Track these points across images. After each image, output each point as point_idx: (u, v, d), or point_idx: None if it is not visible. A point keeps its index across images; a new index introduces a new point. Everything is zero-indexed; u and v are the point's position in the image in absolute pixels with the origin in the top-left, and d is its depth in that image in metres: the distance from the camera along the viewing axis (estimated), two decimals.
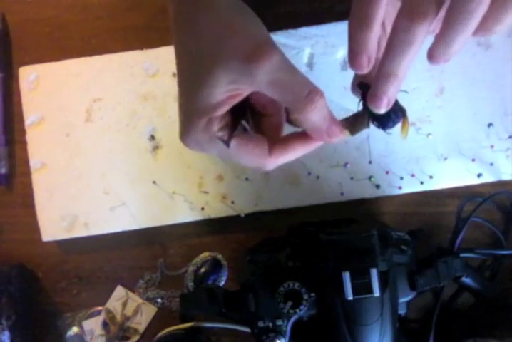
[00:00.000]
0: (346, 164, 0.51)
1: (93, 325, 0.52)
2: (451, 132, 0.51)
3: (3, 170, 0.54)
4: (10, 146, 0.54)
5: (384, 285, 0.40)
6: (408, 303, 0.43)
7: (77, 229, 0.51)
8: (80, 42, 0.55)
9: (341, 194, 0.50)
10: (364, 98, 0.33)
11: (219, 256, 0.52)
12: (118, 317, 0.52)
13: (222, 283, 0.52)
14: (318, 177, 0.51)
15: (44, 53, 0.54)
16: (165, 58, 0.52)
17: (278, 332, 0.40)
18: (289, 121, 0.36)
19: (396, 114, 0.33)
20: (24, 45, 0.55)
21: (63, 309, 0.53)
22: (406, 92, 0.32)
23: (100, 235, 0.51)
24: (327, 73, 0.51)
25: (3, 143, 0.54)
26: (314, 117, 0.32)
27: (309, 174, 0.51)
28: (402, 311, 0.42)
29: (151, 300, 0.52)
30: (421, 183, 0.50)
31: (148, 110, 0.52)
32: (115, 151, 0.52)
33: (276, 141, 0.35)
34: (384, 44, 0.30)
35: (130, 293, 0.52)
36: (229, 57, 0.31)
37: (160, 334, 0.50)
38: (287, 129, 0.36)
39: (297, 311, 0.40)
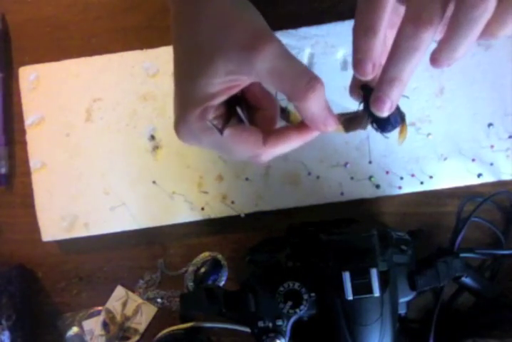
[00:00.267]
0: (346, 164, 0.51)
1: (93, 325, 0.52)
2: (451, 132, 0.51)
3: (3, 170, 0.54)
4: (10, 146, 0.54)
5: (384, 285, 0.40)
6: (408, 303, 0.43)
7: (77, 229, 0.51)
8: (80, 42, 0.55)
9: (341, 194, 0.50)
10: (365, 100, 0.33)
11: (219, 256, 0.52)
12: (118, 317, 0.52)
13: (222, 283, 0.52)
14: (318, 177, 0.51)
15: (44, 53, 0.54)
16: (165, 58, 0.52)
17: (278, 332, 0.40)
18: (282, 117, 0.36)
19: (396, 118, 0.33)
20: (24, 45, 0.55)
21: (63, 309, 0.53)
22: (407, 97, 0.33)
23: (100, 235, 0.51)
24: (327, 73, 0.51)
25: (3, 143, 0.54)
26: (313, 105, 0.32)
27: (309, 174, 0.51)
28: (402, 310, 0.42)
29: (151, 300, 0.52)
30: (421, 183, 0.50)
31: (148, 110, 0.52)
32: (115, 151, 0.52)
33: (270, 132, 0.35)
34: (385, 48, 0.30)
35: (130, 293, 0.52)
36: (229, 47, 0.31)
37: (160, 334, 0.50)
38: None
39: (297, 311, 0.40)
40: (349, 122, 0.35)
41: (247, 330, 0.42)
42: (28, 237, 0.53)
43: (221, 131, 0.33)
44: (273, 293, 0.41)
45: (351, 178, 0.50)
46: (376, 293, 0.39)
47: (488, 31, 0.29)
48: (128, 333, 0.52)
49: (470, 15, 0.27)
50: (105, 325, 0.52)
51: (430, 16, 0.28)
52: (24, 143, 0.53)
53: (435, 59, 0.30)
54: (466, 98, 0.51)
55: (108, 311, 0.52)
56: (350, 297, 0.39)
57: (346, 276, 0.39)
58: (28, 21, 0.55)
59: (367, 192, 0.50)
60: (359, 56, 0.30)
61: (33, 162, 0.52)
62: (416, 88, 0.51)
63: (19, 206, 0.54)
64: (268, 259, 0.44)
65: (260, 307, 0.41)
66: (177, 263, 0.52)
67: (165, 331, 0.49)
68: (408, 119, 0.35)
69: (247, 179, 0.51)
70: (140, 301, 0.52)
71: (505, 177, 0.50)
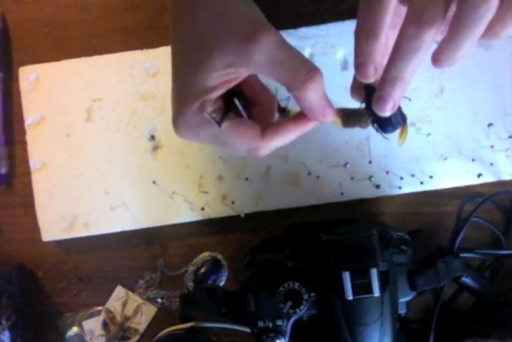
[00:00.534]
0: (346, 164, 0.51)
1: (93, 325, 0.52)
2: (451, 132, 0.51)
3: (3, 170, 0.54)
4: (10, 146, 0.54)
5: (384, 285, 0.40)
6: (408, 303, 0.43)
7: (77, 229, 0.51)
8: (80, 42, 0.55)
9: (341, 194, 0.50)
10: (367, 100, 0.33)
11: (219, 256, 0.52)
12: (118, 317, 0.52)
13: (222, 283, 0.52)
14: (318, 177, 0.51)
15: (44, 53, 0.54)
16: (165, 58, 0.52)
17: (278, 332, 0.40)
18: (282, 116, 0.36)
19: (397, 119, 0.33)
20: (24, 45, 0.55)
21: (63, 309, 0.53)
22: (409, 99, 0.33)
23: (100, 235, 0.51)
24: (327, 73, 0.50)
25: (3, 143, 0.54)
26: (312, 95, 0.32)
27: (309, 174, 0.51)
28: (402, 310, 0.42)
29: (151, 300, 0.52)
30: (421, 183, 0.50)
31: (148, 110, 0.52)
32: (115, 151, 0.52)
33: (268, 125, 0.35)
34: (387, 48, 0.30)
35: (130, 293, 0.52)
36: (226, 40, 0.31)
37: (160, 334, 0.49)
38: None
39: (297, 311, 0.40)
40: (349, 117, 0.35)
41: (247, 330, 0.42)
42: (28, 237, 0.53)
43: (219, 123, 0.33)
44: (273, 293, 0.41)
45: (351, 178, 0.50)
46: (376, 293, 0.39)
47: (491, 31, 0.29)
48: (127, 333, 0.52)
49: (473, 15, 0.27)
50: (105, 325, 0.52)
51: (432, 16, 0.28)
52: (24, 143, 0.53)
53: (436, 59, 0.30)
54: (466, 98, 0.51)
55: (108, 311, 0.52)
56: (350, 297, 0.39)
57: (346, 276, 0.39)
58: (28, 21, 0.55)
59: (367, 192, 0.50)
60: (361, 59, 0.30)
61: (33, 162, 0.52)
62: (416, 88, 0.51)
63: (19, 206, 0.54)
64: (268, 259, 0.44)
65: (260, 307, 0.41)
66: (177, 263, 0.52)
67: (165, 331, 0.49)
68: (408, 119, 0.35)
69: (247, 179, 0.51)
70: (140, 301, 0.52)
71: (505, 177, 0.50)
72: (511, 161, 0.50)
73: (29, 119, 0.53)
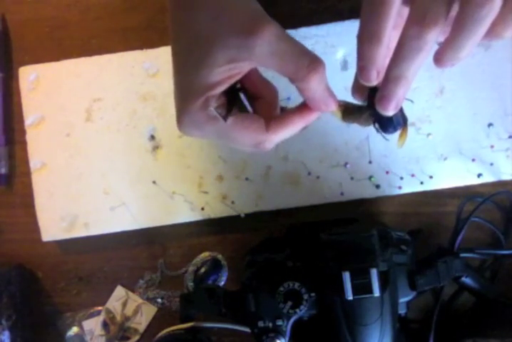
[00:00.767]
0: (346, 164, 0.51)
1: (93, 325, 0.52)
2: (451, 132, 0.51)
3: (3, 170, 0.54)
4: (10, 146, 0.54)
5: (384, 285, 0.40)
6: (408, 303, 0.43)
7: (77, 229, 0.51)
8: (80, 42, 0.55)
9: (341, 194, 0.50)
10: (370, 99, 0.33)
11: (219, 256, 0.52)
12: (118, 317, 0.52)
13: (222, 283, 0.52)
14: (318, 177, 0.51)
15: (44, 53, 0.54)
16: (165, 58, 0.52)
17: (278, 332, 0.40)
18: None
19: (399, 120, 0.33)
20: (24, 45, 0.55)
21: (63, 309, 0.53)
22: (411, 101, 0.33)
23: (100, 235, 0.51)
24: (327, 73, 0.50)
25: (3, 143, 0.54)
26: (316, 85, 0.32)
27: (309, 174, 0.51)
28: (402, 310, 0.42)
29: (151, 300, 0.52)
30: (421, 183, 0.50)
31: (148, 110, 0.52)
32: (115, 151, 0.52)
33: (272, 119, 0.35)
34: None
35: (130, 293, 0.52)
36: (226, 34, 0.31)
37: (160, 334, 0.49)
38: None
39: (297, 311, 0.40)
40: (349, 112, 0.35)
41: (247, 330, 0.42)
42: (28, 237, 0.53)
43: (225, 118, 0.33)
44: (273, 293, 0.41)
45: (351, 178, 0.50)
46: (376, 293, 0.39)
47: (493, 32, 0.29)
48: (127, 333, 0.52)
49: (476, 15, 0.27)
50: (105, 325, 0.52)
51: (435, 16, 0.28)
52: (24, 143, 0.53)
53: (439, 59, 0.30)
54: (466, 98, 0.51)
55: (108, 311, 0.52)
56: (350, 297, 0.39)
57: (346, 276, 0.39)
58: (28, 21, 0.55)
59: (367, 192, 0.50)
60: (363, 63, 0.30)
61: (33, 162, 0.52)
62: (416, 88, 0.51)
63: (19, 206, 0.54)
64: (268, 259, 0.44)
65: (260, 307, 0.41)
66: (177, 263, 0.52)
67: (165, 331, 0.49)
68: (408, 119, 0.35)
69: (247, 179, 0.51)
70: (140, 301, 0.52)
71: (505, 177, 0.50)
72: (511, 161, 0.50)
73: (29, 119, 0.53)
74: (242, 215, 0.51)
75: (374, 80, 0.31)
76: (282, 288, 0.41)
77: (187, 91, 0.33)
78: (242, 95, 0.34)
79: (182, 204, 0.51)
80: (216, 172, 0.51)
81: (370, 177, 0.50)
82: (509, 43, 0.51)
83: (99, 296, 0.53)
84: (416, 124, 0.51)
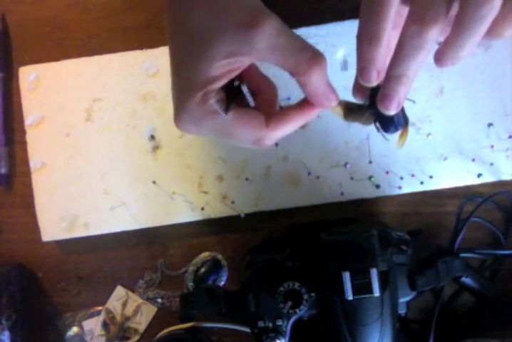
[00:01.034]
0: (346, 164, 0.51)
1: (93, 325, 0.52)
2: (451, 132, 0.51)
3: (3, 170, 0.54)
4: (10, 146, 0.54)
5: (384, 285, 0.40)
6: (408, 303, 0.43)
7: (77, 229, 0.51)
8: (80, 42, 0.55)
9: (341, 194, 0.50)
10: (371, 99, 0.33)
11: (219, 256, 0.52)
12: (118, 317, 0.52)
13: (222, 283, 0.52)
14: (318, 177, 0.51)
15: (44, 53, 0.54)
16: (165, 58, 0.52)
17: (278, 332, 0.40)
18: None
19: (400, 120, 0.33)
20: (24, 45, 0.55)
21: (63, 309, 0.53)
22: (413, 101, 0.33)
23: (100, 235, 0.51)
24: (327, 72, 0.51)
25: (3, 143, 0.54)
26: (317, 80, 0.32)
27: (309, 174, 0.51)
28: (402, 310, 0.42)
29: (151, 300, 0.52)
30: (421, 183, 0.50)
31: (148, 110, 0.52)
32: (115, 151, 0.52)
33: (272, 114, 0.34)
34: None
35: (130, 293, 0.52)
36: (226, 28, 0.30)
37: (160, 334, 0.49)
38: None
39: (297, 310, 0.40)
40: (350, 111, 0.35)
41: (247, 330, 0.42)
42: (28, 237, 0.53)
43: (226, 111, 0.32)
44: (273, 293, 0.41)
45: (351, 178, 0.50)
46: (376, 293, 0.39)
47: (493, 31, 0.29)
48: (127, 333, 0.52)
49: (476, 14, 0.27)
50: (105, 325, 0.52)
51: (435, 15, 0.28)
52: (24, 143, 0.53)
53: (439, 59, 0.30)
54: (466, 98, 0.51)
55: (108, 311, 0.52)
56: (350, 297, 0.39)
57: (346, 276, 0.39)
58: (28, 21, 0.55)
59: (367, 192, 0.50)
60: (363, 64, 0.30)
61: (33, 162, 0.52)
62: (416, 88, 0.51)
63: (19, 206, 0.54)
64: (268, 259, 0.44)
65: (260, 307, 0.41)
66: (177, 263, 0.52)
67: (165, 331, 0.49)
68: (409, 119, 0.35)
69: (247, 179, 0.51)
70: (140, 301, 0.52)
71: (505, 177, 0.50)
72: (511, 161, 0.50)
73: (29, 119, 0.53)
74: (242, 215, 0.51)
75: (374, 80, 0.31)
76: (282, 288, 0.41)
77: (186, 86, 0.32)
78: (244, 88, 0.33)
79: (182, 204, 0.51)
80: (216, 172, 0.51)
81: (370, 177, 0.50)
82: (509, 43, 0.51)
83: (99, 296, 0.53)
84: (416, 124, 0.51)
